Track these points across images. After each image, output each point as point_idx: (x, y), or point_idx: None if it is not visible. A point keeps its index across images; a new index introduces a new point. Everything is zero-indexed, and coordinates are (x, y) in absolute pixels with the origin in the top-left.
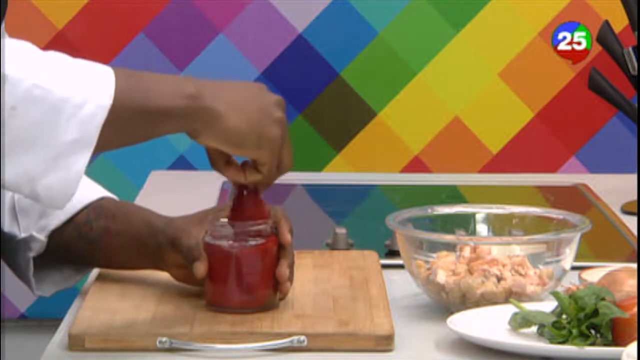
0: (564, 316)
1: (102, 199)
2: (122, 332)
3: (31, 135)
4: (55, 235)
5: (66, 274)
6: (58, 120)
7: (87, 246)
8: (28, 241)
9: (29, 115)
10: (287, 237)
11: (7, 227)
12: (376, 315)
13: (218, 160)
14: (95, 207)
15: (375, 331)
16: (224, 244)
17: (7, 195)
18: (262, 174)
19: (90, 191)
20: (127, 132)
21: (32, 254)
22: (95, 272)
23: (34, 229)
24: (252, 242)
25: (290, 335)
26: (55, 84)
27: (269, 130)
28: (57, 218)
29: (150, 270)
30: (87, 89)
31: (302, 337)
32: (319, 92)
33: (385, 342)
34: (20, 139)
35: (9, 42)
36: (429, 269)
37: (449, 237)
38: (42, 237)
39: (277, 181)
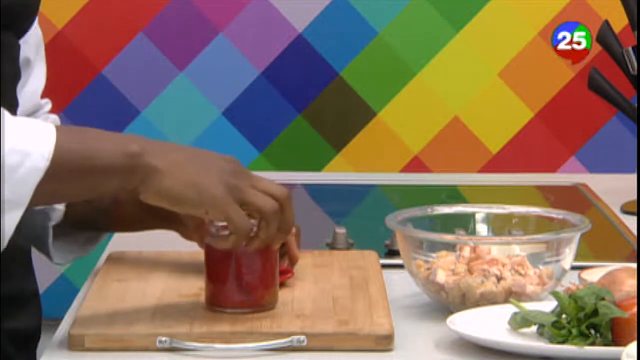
0: (564, 316)
1: None
2: (122, 332)
3: None
4: (71, 205)
5: (82, 242)
6: None
7: (101, 216)
8: (48, 211)
9: None
10: (296, 254)
11: None
12: (376, 315)
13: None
14: None
15: (376, 331)
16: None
17: None
18: (231, 239)
19: None
20: (65, 191)
21: (52, 223)
22: (95, 272)
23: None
24: None
25: (290, 335)
26: None
27: (210, 189)
28: None
29: (150, 270)
30: (24, 150)
31: (302, 337)
32: (319, 92)
33: (385, 342)
34: None
35: None
36: (429, 269)
37: (449, 237)
38: (61, 206)
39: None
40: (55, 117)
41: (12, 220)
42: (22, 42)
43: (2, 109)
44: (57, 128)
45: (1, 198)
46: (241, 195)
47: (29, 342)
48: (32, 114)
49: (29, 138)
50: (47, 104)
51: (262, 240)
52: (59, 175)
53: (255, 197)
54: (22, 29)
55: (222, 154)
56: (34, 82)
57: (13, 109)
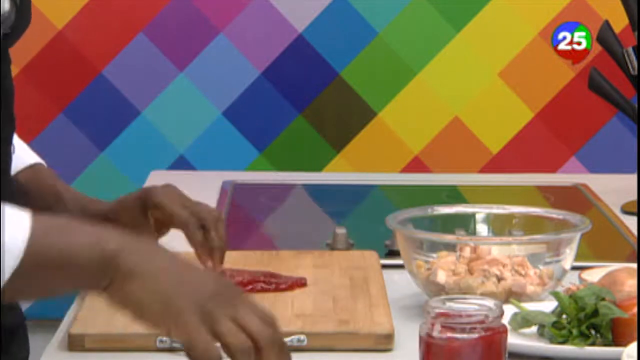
0: (564, 316)
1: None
2: (122, 332)
3: None
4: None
5: None
6: None
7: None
8: None
9: None
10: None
11: None
12: (376, 314)
13: None
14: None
15: (375, 330)
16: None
17: None
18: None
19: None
20: (30, 289)
21: None
22: None
23: None
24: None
25: (290, 334)
26: None
27: (178, 305)
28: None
29: None
30: None
31: (303, 337)
32: (319, 92)
33: (385, 342)
34: None
35: None
36: (429, 269)
37: (449, 237)
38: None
39: (278, 181)
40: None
41: None
42: None
43: None
44: (34, 219)
45: None
46: (213, 324)
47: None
48: None
49: (4, 232)
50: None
51: None
52: (28, 272)
53: (228, 330)
54: (14, 41)
55: (212, 273)
56: None
57: (12, 123)
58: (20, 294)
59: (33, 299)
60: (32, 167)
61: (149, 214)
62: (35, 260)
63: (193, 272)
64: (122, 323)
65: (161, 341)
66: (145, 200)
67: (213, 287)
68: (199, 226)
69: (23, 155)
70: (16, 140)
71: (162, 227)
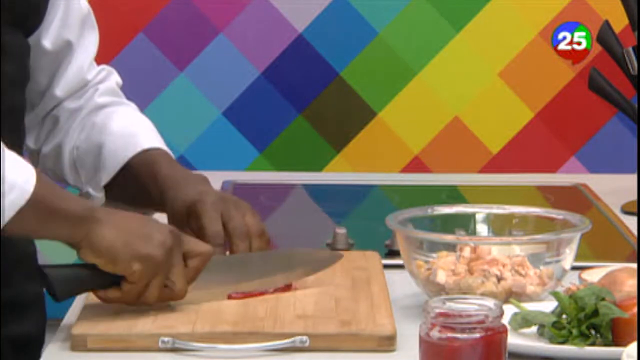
0: (564, 316)
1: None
2: (125, 332)
3: None
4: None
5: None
6: None
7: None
8: (87, 197)
9: None
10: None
11: (72, 181)
12: (378, 315)
13: None
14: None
15: (378, 331)
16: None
17: (66, 151)
18: (124, 292)
19: (133, 146)
20: (28, 227)
21: None
22: None
23: (91, 185)
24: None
25: (292, 335)
26: None
27: (146, 250)
28: (106, 174)
29: None
30: (10, 181)
31: (305, 338)
32: (319, 92)
33: (387, 342)
34: None
35: None
36: (429, 269)
37: (449, 237)
38: (98, 193)
39: (278, 181)
40: (112, 86)
41: None
42: (60, 24)
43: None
44: (35, 170)
45: None
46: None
47: (31, 347)
48: (79, 90)
49: (16, 172)
50: (100, 73)
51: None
52: (26, 213)
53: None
54: (30, 28)
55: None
56: (76, 60)
57: (15, 111)
58: (12, 231)
59: (19, 237)
60: (147, 152)
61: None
62: (36, 203)
63: (150, 222)
64: (125, 323)
65: (163, 342)
66: (192, 212)
67: (162, 226)
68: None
69: (140, 140)
70: (138, 119)
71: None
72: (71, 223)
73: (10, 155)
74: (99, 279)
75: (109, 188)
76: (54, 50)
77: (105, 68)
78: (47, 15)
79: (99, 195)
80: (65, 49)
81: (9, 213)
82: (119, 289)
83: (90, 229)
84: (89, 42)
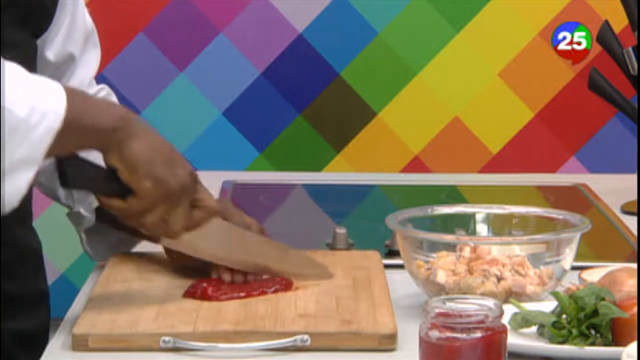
0: (564, 316)
1: None
2: (126, 331)
3: None
4: (100, 210)
5: (114, 243)
6: (14, 139)
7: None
8: (78, 216)
9: None
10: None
11: (64, 199)
12: (379, 314)
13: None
14: None
15: (378, 330)
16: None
17: None
18: (127, 204)
19: None
20: (60, 146)
21: (81, 228)
22: (97, 272)
23: (83, 205)
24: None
25: (293, 334)
26: (14, 104)
27: (164, 174)
28: None
29: (153, 270)
30: (40, 108)
31: (305, 337)
32: (319, 92)
33: (388, 341)
34: None
35: None
36: (429, 269)
37: (449, 237)
38: (89, 214)
39: (278, 181)
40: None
41: (25, 179)
42: (64, 36)
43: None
44: (65, 88)
45: (13, 158)
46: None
47: (35, 343)
48: None
49: (45, 97)
50: (100, 92)
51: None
52: (62, 133)
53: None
54: (37, 29)
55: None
56: (77, 75)
57: None
58: (51, 152)
59: (54, 156)
60: None
61: None
62: (69, 123)
63: (182, 158)
64: (126, 323)
65: (164, 341)
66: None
67: (186, 164)
68: None
69: None
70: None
71: None
72: (104, 135)
73: (37, 81)
74: (110, 184)
75: (100, 211)
76: (56, 62)
77: (105, 88)
78: (52, 26)
79: (90, 217)
80: (68, 62)
81: (45, 138)
82: (124, 201)
83: (122, 139)
84: (91, 60)
